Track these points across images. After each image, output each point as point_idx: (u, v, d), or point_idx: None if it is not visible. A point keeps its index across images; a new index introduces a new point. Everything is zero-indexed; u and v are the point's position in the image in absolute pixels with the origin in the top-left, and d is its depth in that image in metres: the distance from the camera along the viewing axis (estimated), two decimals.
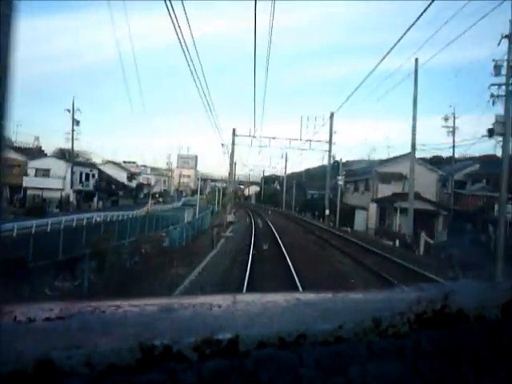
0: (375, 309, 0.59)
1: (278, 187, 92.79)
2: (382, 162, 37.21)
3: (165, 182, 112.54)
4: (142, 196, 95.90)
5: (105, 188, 72.30)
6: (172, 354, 0.47)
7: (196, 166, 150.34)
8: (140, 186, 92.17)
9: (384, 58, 16.67)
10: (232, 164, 38.31)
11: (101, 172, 75.15)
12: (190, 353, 0.48)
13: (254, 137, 36.72)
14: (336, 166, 38.82)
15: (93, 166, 63.48)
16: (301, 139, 38.37)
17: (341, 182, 36.00)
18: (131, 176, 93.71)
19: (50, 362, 0.43)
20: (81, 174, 55.39)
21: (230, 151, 37.16)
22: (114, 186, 75.78)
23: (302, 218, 44.65)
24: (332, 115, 37.85)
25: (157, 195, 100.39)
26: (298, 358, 0.51)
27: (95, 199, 62.45)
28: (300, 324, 0.54)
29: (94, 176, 60.46)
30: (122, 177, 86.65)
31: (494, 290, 0.71)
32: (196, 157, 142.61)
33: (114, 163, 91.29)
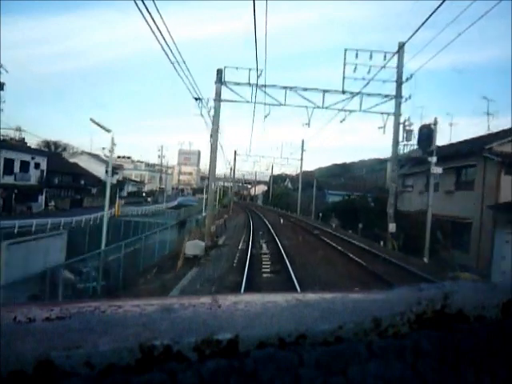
0: (375, 309, 0.59)
1: (290, 185, 76.47)
2: (491, 139, 20.52)
3: (161, 179, 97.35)
4: (125, 194, 79.03)
5: (66, 183, 55.80)
6: (172, 353, 0.47)
7: (198, 162, 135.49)
8: (121, 182, 76.18)
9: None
10: (215, 132, 20.52)
11: (62, 163, 58.85)
12: (190, 353, 0.47)
13: (256, 86, 19.64)
14: (426, 134, 19.04)
15: (38, 152, 47.46)
16: (343, 92, 20.38)
17: (438, 170, 19.00)
18: (112, 170, 77.28)
19: (50, 362, 0.43)
20: (10, 163, 38.96)
21: (213, 113, 20.02)
22: (83, 182, 59.42)
23: (339, 236, 24.03)
24: (401, 47, 19.64)
25: (143, 194, 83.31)
26: (297, 358, 0.50)
27: (41, 198, 45.97)
28: (300, 324, 0.53)
29: (38, 166, 43.98)
30: (99, 171, 70.47)
31: (493, 290, 0.69)
32: (199, 152, 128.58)
33: (91, 154, 75.51)
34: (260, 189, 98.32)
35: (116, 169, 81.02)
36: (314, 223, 36.26)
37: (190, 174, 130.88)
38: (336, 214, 37.47)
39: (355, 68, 19.88)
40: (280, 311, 0.58)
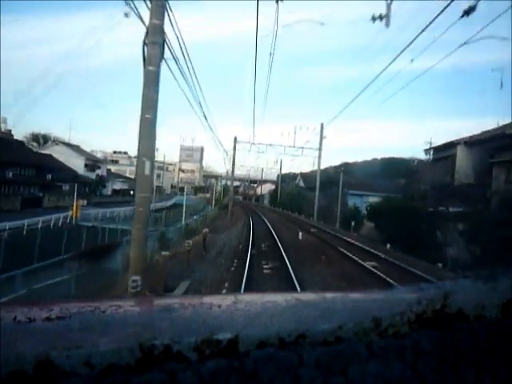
0: (375, 309, 0.59)
1: (302, 184, 65.10)
2: None
3: (159, 176, 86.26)
4: (109, 192, 67.06)
5: (24, 178, 45.29)
6: (172, 353, 0.47)
7: (201, 159, 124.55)
8: (101, 179, 65.05)
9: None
10: (157, 33, 9.48)
11: (21, 153, 48.47)
12: (189, 353, 0.47)
13: None
14: None
15: None
16: None
17: None
18: (93, 164, 66.22)
19: (50, 362, 0.43)
20: None
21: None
22: (50, 176, 48.63)
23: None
24: None
25: (132, 192, 70.90)
26: (297, 358, 0.51)
27: None
28: (300, 324, 0.54)
29: None
30: (77, 164, 59.14)
31: (493, 290, 0.69)
32: (202, 149, 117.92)
33: (68, 145, 64.17)
34: (266, 188, 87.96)
35: (97, 162, 69.74)
36: (346, 237, 24.02)
37: (192, 171, 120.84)
38: (377, 223, 26.17)
39: None
40: (280, 311, 0.59)
